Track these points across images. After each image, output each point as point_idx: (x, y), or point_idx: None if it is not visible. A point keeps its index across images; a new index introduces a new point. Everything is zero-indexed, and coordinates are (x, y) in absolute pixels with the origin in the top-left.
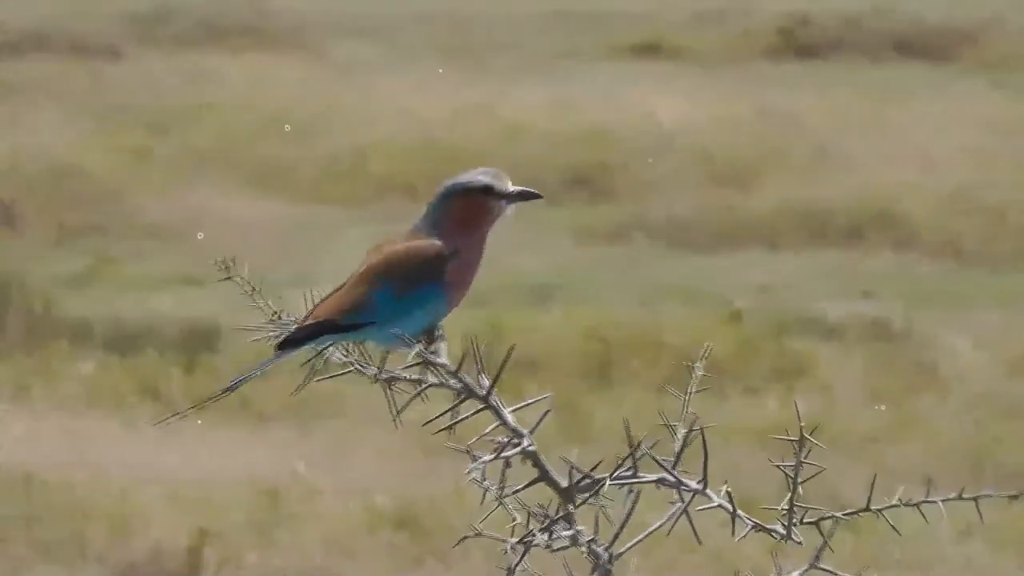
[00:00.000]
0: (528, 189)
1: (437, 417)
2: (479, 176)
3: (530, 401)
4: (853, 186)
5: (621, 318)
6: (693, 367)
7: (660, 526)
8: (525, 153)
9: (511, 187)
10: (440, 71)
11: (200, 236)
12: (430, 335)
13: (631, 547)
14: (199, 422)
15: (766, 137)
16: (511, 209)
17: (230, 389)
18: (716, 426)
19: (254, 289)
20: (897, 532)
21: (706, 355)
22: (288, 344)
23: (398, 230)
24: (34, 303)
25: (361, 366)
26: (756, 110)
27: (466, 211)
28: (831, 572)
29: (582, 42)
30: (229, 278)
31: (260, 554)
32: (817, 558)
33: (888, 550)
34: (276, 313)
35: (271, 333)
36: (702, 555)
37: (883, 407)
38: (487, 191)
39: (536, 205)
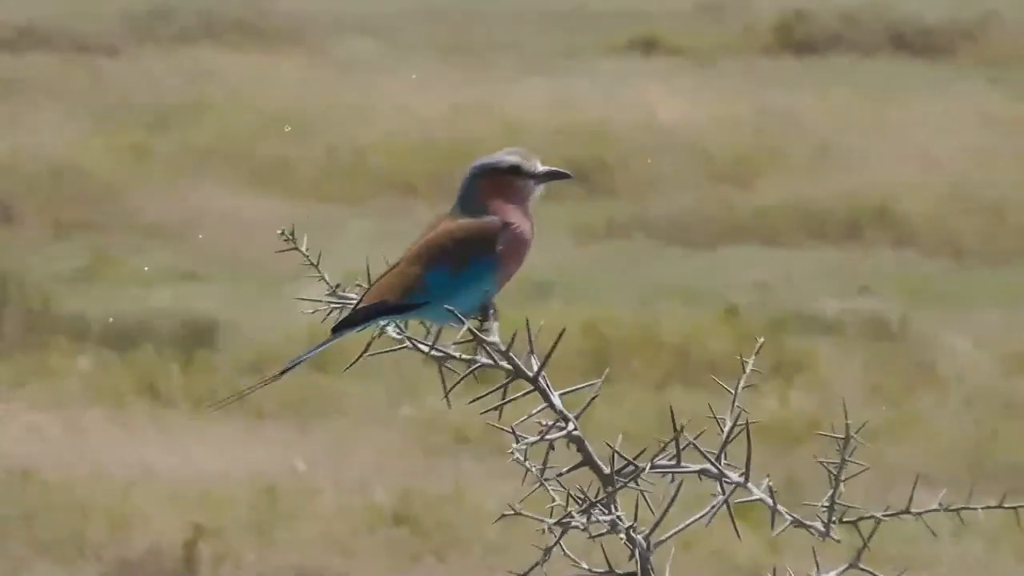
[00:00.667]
0: (557, 169)
1: (487, 394)
2: (507, 156)
3: (580, 386)
4: (852, 183)
5: (620, 315)
6: (744, 362)
7: (701, 517)
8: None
9: (540, 167)
10: (439, 69)
11: (200, 237)
12: (484, 313)
13: (671, 536)
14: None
15: (765, 134)
16: (540, 189)
17: (284, 372)
18: (752, 421)
19: (315, 264)
20: (933, 534)
21: (758, 351)
22: (344, 326)
23: (399, 225)
24: (32, 300)
25: (416, 342)
26: (755, 107)
27: (495, 191)
28: (870, 572)
29: (581, 40)
30: (295, 248)
31: (258, 552)
32: (858, 558)
33: (884, 547)
34: (334, 288)
35: (330, 306)
36: (703, 552)
37: (884, 407)
38: (515, 171)
39: (536, 202)
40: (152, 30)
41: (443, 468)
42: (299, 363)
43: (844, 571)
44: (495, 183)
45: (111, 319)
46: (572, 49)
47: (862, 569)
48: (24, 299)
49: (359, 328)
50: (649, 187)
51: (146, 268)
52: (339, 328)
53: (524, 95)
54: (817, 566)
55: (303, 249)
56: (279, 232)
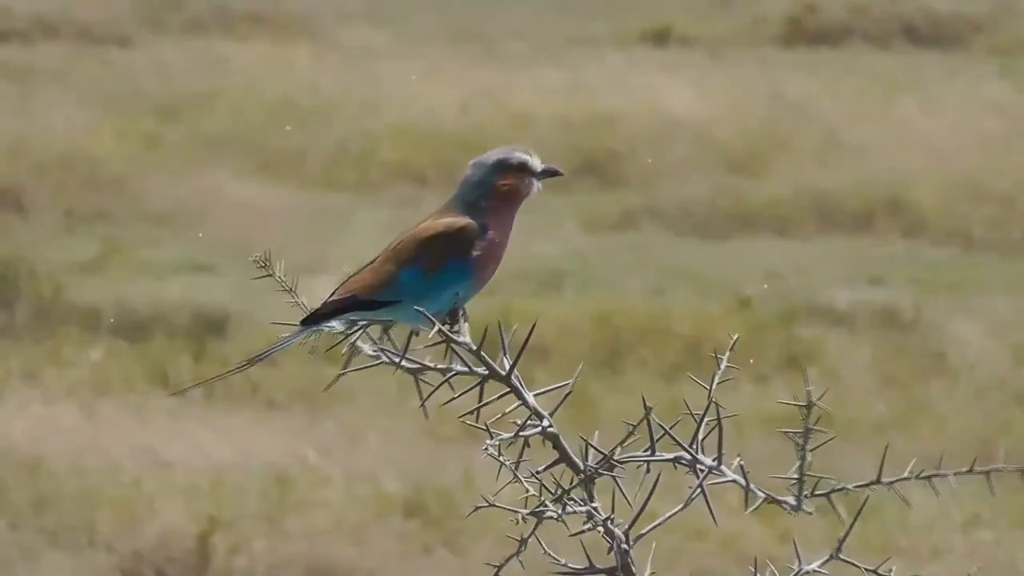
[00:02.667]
0: (551, 167)
1: (458, 396)
2: (516, 153)
3: (551, 388)
4: (862, 173)
5: (630, 305)
6: (718, 358)
7: (681, 509)
8: (534, 139)
9: (540, 164)
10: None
11: (200, 235)
12: (454, 315)
13: (651, 530)
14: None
15: (776, 125)
16: (537, 187)
17: (253, 362)
18: (728, 414)
19: (291, 290)
20: (907, 503)
21: (733, 347)
22: (313, 319)
23: (408, 215)
24: (44, 290)
25: (390, 356)
26: (766, 97)
27: (505, 187)
28: (851, 563)
29: (592, 29)
30: (269, 275)
31: (269, 541)
32: (839, 549)
33: (895, 538)
34: (311, 313)
35: (306, 330)
36: (714, 542)
37: (893, 396)
38: (523, 168)
39: (546, 191)
40: (162, 19)
41: (453, 458)
42: (267, 355)
43: (826, 562)
44: (505, 179)
45: (112, 319)
46: (583, 39)
47: (844, 560)
48: (36, 289)
49: (329, 322)
50: (660, 177)
51: (158, 259)
52: (308, 321)
53: (534, 85)
54: (799, 558)
55: (278, 275)
56: (252, 259)
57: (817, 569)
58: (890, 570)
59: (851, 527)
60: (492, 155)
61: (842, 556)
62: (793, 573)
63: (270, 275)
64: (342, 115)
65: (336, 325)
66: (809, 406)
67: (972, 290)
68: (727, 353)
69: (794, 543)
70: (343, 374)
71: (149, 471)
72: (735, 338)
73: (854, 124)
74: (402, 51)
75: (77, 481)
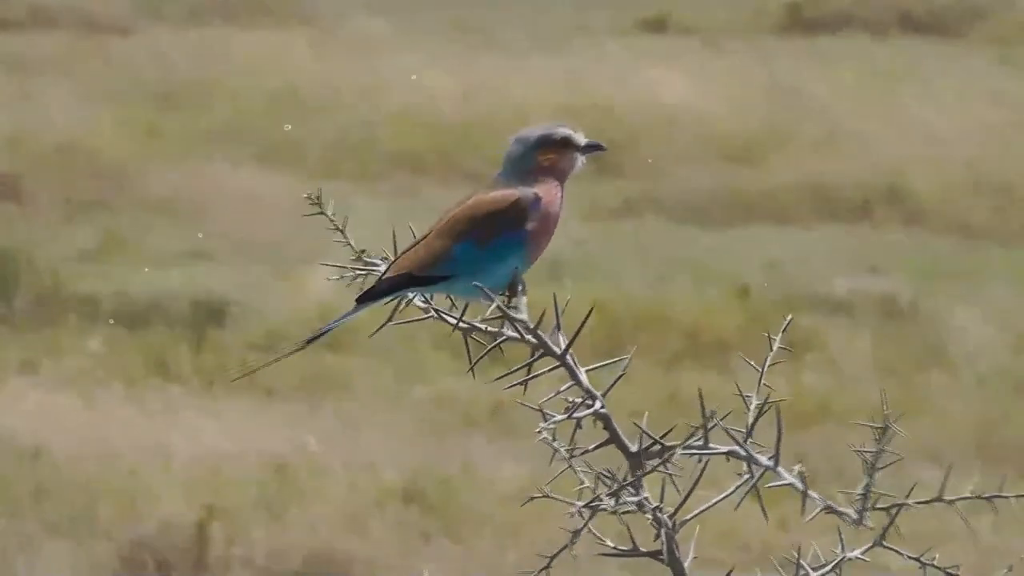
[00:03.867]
0: (595, 141)
1: (512, 372)
2: (559, 128)
3: (608, 362)
4: (862, 163)
5: (630, 294)
6: (772, 339)
7: (726, 496)
8: None
9: (583, 139)
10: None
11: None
12: (512, 289)
13: (695, 516)
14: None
15: (775, 114)
16: (581, 162)
17: (310, 341)
18: (777, 399)
19: (341, 229)
20: (967, 524)
21: (786, 329)
22: (368, 297)
23: (409, 204)
24: (43, 279)
25: (442, 313)
26: (765, 87)
27: (548, 163)
28: (895, 549)
29: (591, 19)
30: (321, 212)
31: (268, 531)
32: (883, 536)
33: (904, 519)
34: (359, 253)
35: (354, 272)
36: (711, 530)
37: (893, 385)
38: (566, 143)
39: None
40: (163, 9)
41: (453, 448)
42: (324, 333)
43: (869, 549)
44: (548, 154)
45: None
46: (582, 28)
47: (887, 547)
48: (35, 279)
49: (384, 300)
50: (659, 167)
51: (157, 248)
52: (363, 299)
53: (534, 74)
54: (842, 544)
55: (329, 213)
56: (305, 196)
57: (860, 556)
58: (933, 558)
59: (895, 517)
60: (535, 131)
61: (885, 543)
62: (835, 560)
63: (322, 213)
64: (342, 104)
65: (392, 300)
66: (885, 428)
67: (972, 279)
68: (779, 335)
69: (838, 530)
70: (386, 324)
71: (149, 460)
72: (788, 319)
73: (853, 113)
74: (402, 41)
75: (77, 470)
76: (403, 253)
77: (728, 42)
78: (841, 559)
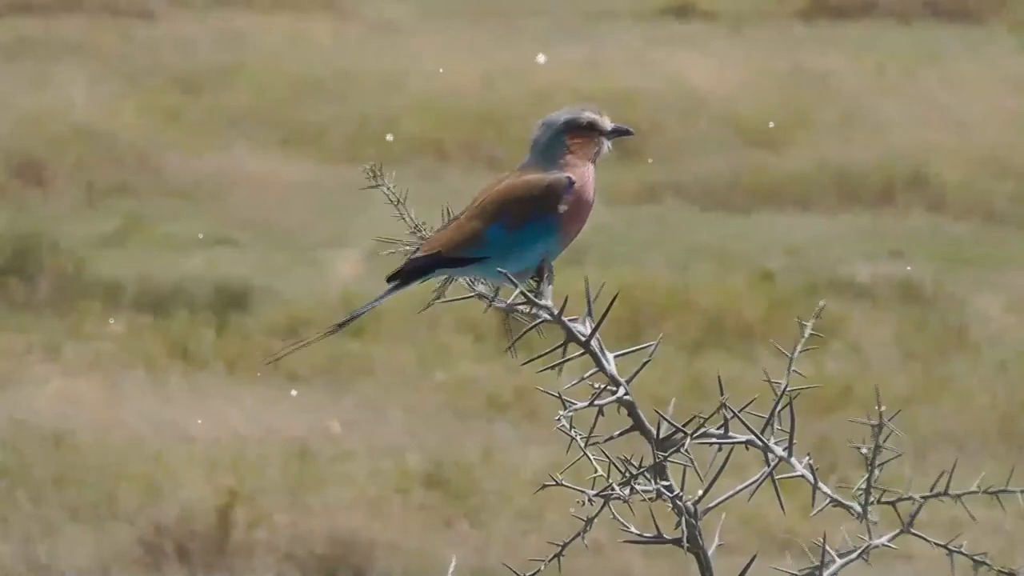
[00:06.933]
0: (621, 126)
1: (537, 357)
2: (584, 112)
3: (635, 348)
4: (884, 147)
5: (652, 279)
6: (803, 324)
7: (747, 486)
8: None
9: (609, 124)
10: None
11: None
12: (539, 273)
13: (717, 504)
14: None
15: (797, 99)
16: (608, 146)
17: (344, 324)
18: (802, 387)
19: (399, 201)
20: (972, 518)
21: (819, 314)
22: (399, 276)
23: (430, 189)
24: (65, 264)
25: (483, 295)
26: (787, 71)
27: (575, 147)
28: (922, 536)
29: (613, 4)
30: (377, 186)
31: (290, 515)
32: (910, 523)
33: (929, 507)
34: (418, 226)
35: (411, 246)
36: (734, 517)
37: (915, 370)
38: (592, 127)
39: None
40: None
41: (475, 433)
42: (360, 315)
43: (896, 536)
44: (575, 139)
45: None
46: (604, 13)
47: (914, 534)
48: (57, 263)
49: (415, 281)
50: (682, 152)
51: (179, 233)
52: (394, 278)
53: (556, 60)
54: (869, 531)
55: (389, 186)
56: (364, 168)
57: (887, 543)
58: (960, 545)
59: (922, 505)
60: (561, 115)
61: (913, 530)
62: (863, 546)
63: (379, 186)
64: (364, 89)
65: (423, 282)
66: (880, 425)
67: (994, 264)
68: (811, 321)
69: (867, 518)
70: (436, 301)
71: (171, 445)
72: (821, 305)
73: (876, 99)
74: (424, 26)
75: (99, 455)
76: (435, 233)
77: (752, 28)
78: (867, 546)
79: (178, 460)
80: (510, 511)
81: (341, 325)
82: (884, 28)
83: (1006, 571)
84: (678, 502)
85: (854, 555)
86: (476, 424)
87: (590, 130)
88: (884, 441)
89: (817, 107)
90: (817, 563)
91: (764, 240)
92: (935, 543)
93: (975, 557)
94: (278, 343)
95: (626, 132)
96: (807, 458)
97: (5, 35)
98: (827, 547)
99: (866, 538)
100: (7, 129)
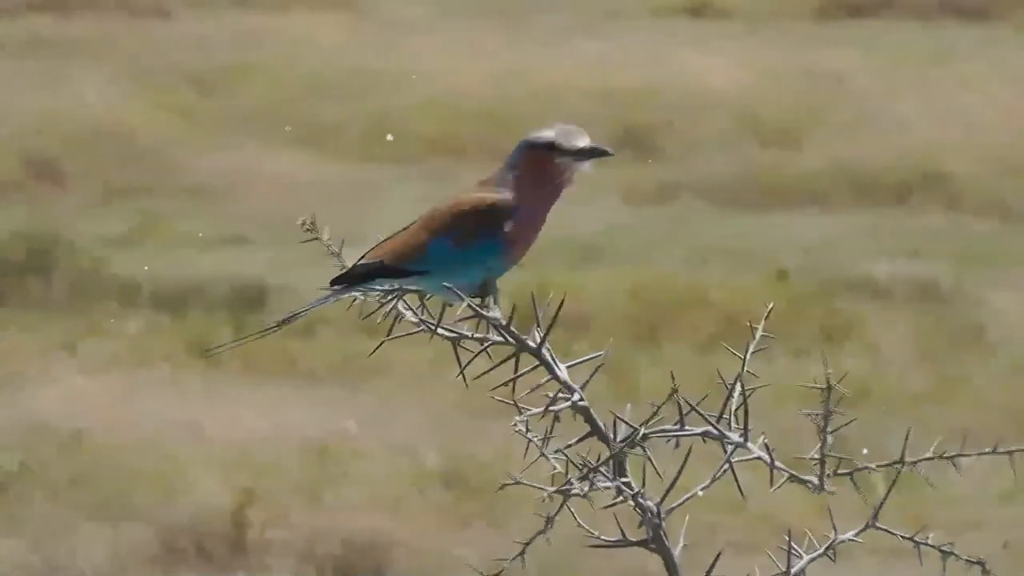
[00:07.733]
0: (597, 146)
1: (488, 371)
2: (547, 132)
3: (583, 359)
4: (900, 146)
5: (668, 278)
6: (753, 328)
7: (710, 484)
8: (571, 113)
9: (581, 143)
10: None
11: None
12: (485, 289)
13: (681, 504)
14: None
15: (813, 97)
16: (585, 166)
17: (283, 323)
18: (766, 387)
19: (337, 254)
20: (931, 485)
21: (767, 316)
22: (342, 281)
23: (444, 188)
24: (82, 262)
25: (429, 324)
26: (803, 70)
27: (533, 167)
28: (888, 530)
29: (628, 2)
30: (316, 239)
31: (306, 514)
32: (875, 518)
33: (932, 511)
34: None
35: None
36: (748, 516)
37: (932, 369)
38: (551, 147)
39: (575, 179)
40: None
41: (491, 431)
42: (297, 317)
43: (861, 531)
44: (533, 159)
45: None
46: (618, 11)
47: (880, 528)
48: (73, 262)
49: (357, 287)
50: (697, 150)
51: (200, 234)
52: (337, 282)
53: (570, 58)
54: (834, 528)
55: (324, 239)
56: (299, 222)
57: (853, 538)
58: (927, 538)
59: (886, 497)
60: (533, 133)
61: (878, 525)
62: (829, 542)
63: (316, 239)
64: (378, 88)
65: (365, 290)
66: (829, 388)
67: (1011, 263)
68: (762, 323)
69: (829, 512)
70: (385, 341)
71: (187, 444)
72: (769, 307)
73: (891, 97)
74: (438, 24)
75: (115, 454)
76: (383, 241)
77: (767, 26)
78: (833, 541)
79: (194, 459)
80: (527, 510)
81: (280, 324)
82: (900, 27)
83: (974, 560)
84: (639, 499)
85: (819, 551)
86: (492, 422)
87: (549, 150)
88: (835, 405)
89: (833, 106)
90: (784, 566)
91: (779, 239)
92: (901, 536)
93: (942, 548)
94: (295, 343)
95: (601, 153)
96: (761, 438)
97: (20, 34)
98: (794, 545)
99: (831, 535)
100: (23, 128)
